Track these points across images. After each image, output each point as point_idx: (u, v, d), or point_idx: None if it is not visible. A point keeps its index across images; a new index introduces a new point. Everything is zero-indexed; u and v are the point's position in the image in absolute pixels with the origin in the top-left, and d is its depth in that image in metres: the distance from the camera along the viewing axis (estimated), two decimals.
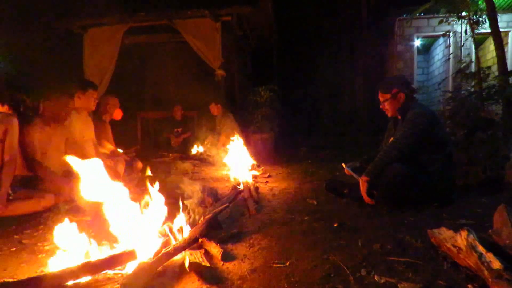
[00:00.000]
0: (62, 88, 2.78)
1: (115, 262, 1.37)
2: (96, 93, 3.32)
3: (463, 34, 5.68)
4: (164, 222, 1.76)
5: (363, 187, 2.34)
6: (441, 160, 2.31)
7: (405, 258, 1.46)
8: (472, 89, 4.40)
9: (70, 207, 2.41)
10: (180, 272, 1.42)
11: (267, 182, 3.52)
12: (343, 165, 2.67)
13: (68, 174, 2.70)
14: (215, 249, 1.57)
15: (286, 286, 1.29)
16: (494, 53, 4.14)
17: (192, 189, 2.36)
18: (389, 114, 2.52)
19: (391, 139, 2.45)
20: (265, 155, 5.28)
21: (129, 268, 1.38)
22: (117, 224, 1.57)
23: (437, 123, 2.38)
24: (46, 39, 5.59)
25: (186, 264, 1.41)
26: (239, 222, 2.13)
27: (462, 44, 6.00)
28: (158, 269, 1.38)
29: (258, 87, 6.38)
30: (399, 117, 2.48)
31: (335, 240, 1.74)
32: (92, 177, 1.51)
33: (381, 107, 2.54)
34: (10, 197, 2.28)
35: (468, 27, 4.62)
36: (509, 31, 7.10)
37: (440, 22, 5.03)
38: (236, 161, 4.06)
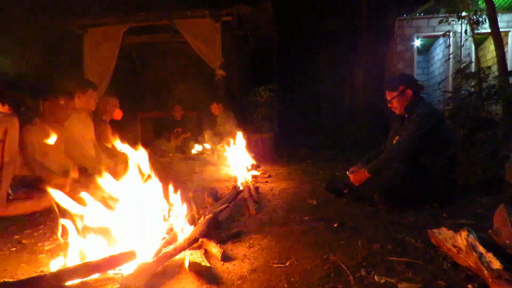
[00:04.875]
0: (62, 88, 2.78)
1: (115, 262, 1.37)
2: (96, 93, 3.32)
3: (463, 34, 5.68)
4: (165, 222, 1.76)
5: (360, 178, 2.40)
6: (444, 161, 2.30)
7: (405, 258, 1.46)
8: (472, 89, 4.40)
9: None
10: (180, 272, 1.42)
11: (267, 182, 3.52)
12: (347, 173, 2.64)
13: (68, 174, 2.70)
14: (215, 249, 1.57)
15: (286, 286, 1.29)
16: (494, 53, 4.15)
17: (192, 189, 2.36)
18: (398, 112, 2.50)
19: (396, 138, 2.44)
20: (265, 155, 5.28)
21: (129, 268, 1.38)
22: (118, 223, 1.57)
23: (442, 123, 2.38)
24: (46, 39, 5.59)
25: (186, 264, 1.41)
26: (239, 222, 2.13)
27: (462, 44, 6.00)
28: (158, 269, 1.38)
29: (258, 87, 6.39)
30: (405, 116, 2.48)
31: (335, 240, 1.74)
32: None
33: (389, 105, 2.52)
34: (10, 197, 2.28)
35: (468, 27, 4.63)
36: (509, 31, 7.10)
37: (440, 22, 5.04)
38: (236, 161, 4.06)
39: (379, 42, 8.93)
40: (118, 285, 1.30)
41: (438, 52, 8.84)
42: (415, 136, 2.28)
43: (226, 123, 5.71)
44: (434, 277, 1.31)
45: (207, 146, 5.72)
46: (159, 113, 7.10)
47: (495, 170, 2.91)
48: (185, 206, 1.78)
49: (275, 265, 1.46)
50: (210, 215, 1.88)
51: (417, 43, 8.17)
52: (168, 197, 1.82)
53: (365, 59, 9.44)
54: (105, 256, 1.35)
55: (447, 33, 6.62)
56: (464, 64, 4.69)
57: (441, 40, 8.36)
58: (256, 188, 3.00)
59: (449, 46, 7.54)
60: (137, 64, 7.43)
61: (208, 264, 1.40)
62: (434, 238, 1.56)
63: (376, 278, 1.31)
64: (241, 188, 2.83)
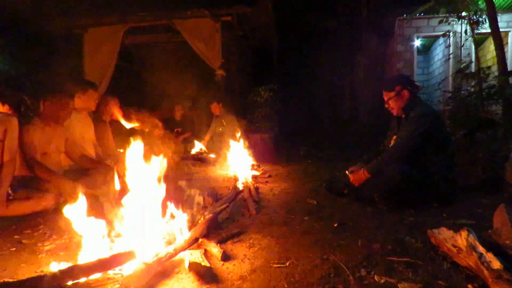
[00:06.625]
0: (62, 88, 2.78)
1: (115, 262, 1.37)
2: (96, 93, 3.32)
3: (463, 34, 5.69)
4: (165, 222, 1.76)
5: (360, 178, 2.40)
6: (443, 161, 2.31)
7: (405, 258, 1.46)
8: (472, 89, 4.40)
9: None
10: (180, 272, 1.42)
11: (267, 182, 3.52)
12: (347, 172, 2.66)
13: (68, 174, 2.70)
14: (215, 249, 1.57)
15: (286, 286, 1.29)
16: (494, 53, 4.14)
17: (192, 189, 2.36)
18: (395, 113, 2.52)
19: (394, 137, 2.45)
20: (265, 155, 5.27)
21: (129, 268, 1.38)
22: (119, 223, 1.58)
23: (440, 124, 2.39)
24: (46, 39, 5.59)
25: (186, 264, 1.41)
26: (239, 222, 2.13)
27: (462, 44, 6.01)
28: (158, 269, 1.38)
29: (258, 87, 6.38)
30: (403, 116, 2.49)
31: (335, 240, 1.74)
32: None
33: (386, 106, 2.54)
34: (10, 197, 2.28)
35: (468, 27, 4.63)
36: (509, 31, 7.10)
37: (440, 22, 5.03)
38: (237, 161, 4.06)
39: (379, 42, 8.92)
40: (118, 285, 1.30)
41: (438, 52, 8.84)
42: (413, 136, 2.29)
43: (227, 123, 5.70)
44: (434, 277, 1.31)
45: (207, 146, 5.72)
46: (159, 113, 7.09)
47: (495, 170, 2.91)
48: (185, 206, 1.78)
49: (275, 265, 1.46)
50: (210, 215, 1.88)
51: (417, 43, 8.17)
52: (168, 197, 1.82)
53: (365, 59, 9.43)
54: (105, 256, 1.35)
55: (447, 33, 6.61)
56: (464, 64, 4.69)
57: (441, 40, 8.36)
58: (256, 188, 3.00)
59: (449, 46, 7.54)
60: (137, 64, 7.42)
61: (208, 264, 1.40)
62: (434, 238, 1.56)
63: (376, 278, 1.31)
64: (241, 188, 2.83)
